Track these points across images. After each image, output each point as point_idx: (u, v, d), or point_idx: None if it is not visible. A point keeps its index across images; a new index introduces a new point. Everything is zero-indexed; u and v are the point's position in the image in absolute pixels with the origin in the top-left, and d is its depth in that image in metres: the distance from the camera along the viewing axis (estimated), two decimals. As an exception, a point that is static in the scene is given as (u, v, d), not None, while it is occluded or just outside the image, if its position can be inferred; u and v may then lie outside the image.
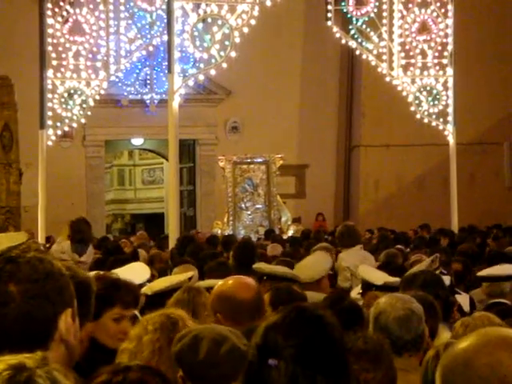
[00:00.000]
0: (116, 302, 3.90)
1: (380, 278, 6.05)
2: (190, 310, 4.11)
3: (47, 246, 11.97)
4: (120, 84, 22.08)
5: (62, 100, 15.25)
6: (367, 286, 6.06)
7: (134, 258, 9.02)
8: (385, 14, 16.93)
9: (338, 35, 17.24)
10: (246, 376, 2.09)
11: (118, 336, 3.78)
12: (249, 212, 18.68)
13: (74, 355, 2.25)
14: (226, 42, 14.21)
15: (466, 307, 6.29)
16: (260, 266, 6.36)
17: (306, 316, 2.11)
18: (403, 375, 3.50)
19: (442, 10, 17.06)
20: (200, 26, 14.50)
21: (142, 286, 5.65)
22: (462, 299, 6.33)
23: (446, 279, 6.14)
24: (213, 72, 14.90)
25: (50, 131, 15.17)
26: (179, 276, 5.92)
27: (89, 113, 15.68)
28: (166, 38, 14.76)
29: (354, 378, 2.14)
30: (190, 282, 5.57)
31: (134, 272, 6.06)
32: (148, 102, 22.86)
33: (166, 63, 15.03)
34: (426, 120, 17.07)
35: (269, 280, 5.83)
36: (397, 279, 6.02)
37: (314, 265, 6.73)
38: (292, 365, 2.01)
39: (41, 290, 2.13)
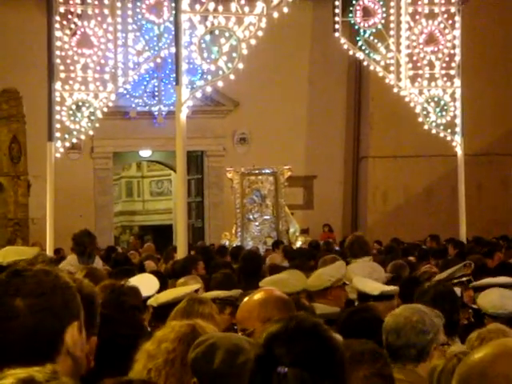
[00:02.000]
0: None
1: (376, 288, 6.02)
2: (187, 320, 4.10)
3: (56, 258, 11.96)
4: (128, 96, 22.13)
5: (70, 112, 15.28)
6: (363, 297, 6.03)
7: (140, 270, 9.04)
8: (392, 25, 16.94)
9: (345, 46, 17.25)
10: None
11: None
12: (257, 223, 18.68)
13: (80, 368, 2.25)
14: (234, 54, 14.22)
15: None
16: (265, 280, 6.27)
17: (303, 325, 2.14)
18: None
19: (450, 22, 17.05)
20: (207, 37, 14.52)
21: (150, 297, 5.67)
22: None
23: (457, 291, 6.13)
24: (220, 84, 14.92)
25: (59, 143, 15.20)
26: (185, 288, 5.92)
27: (97, 125, 15.71)
28: (173, 49, 14.78)
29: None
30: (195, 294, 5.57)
31: (143, 283, 6.08)
32: (156, 113, 22.91)
33: (174, 75, 15.04)
34: (433, 131, 17.05)
35: None
36: (394, 288, 6.00)
37: (320, 274, 6.70)
38: (300, 371, 2.03)
39: (47, 303, 2.13)
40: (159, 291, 6.03)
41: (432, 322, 3.96)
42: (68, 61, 15.30)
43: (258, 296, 4.08)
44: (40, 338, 2.12)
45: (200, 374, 3.00)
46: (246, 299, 4.12)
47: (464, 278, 7.13)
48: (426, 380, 3.72)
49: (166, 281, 7.32)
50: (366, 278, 6.65)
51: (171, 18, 15.21)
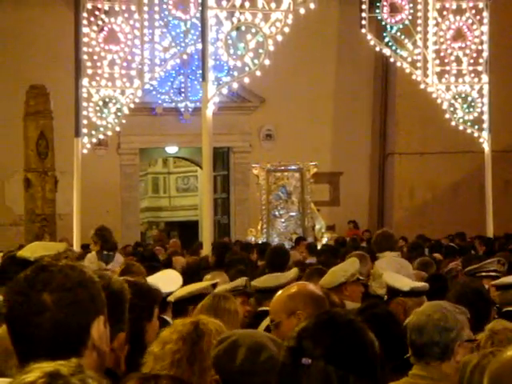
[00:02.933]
0: (159, 297, 3.92)
1: (406, 283, 6.01)
2: (212, 315, 4.11)
3: (83, 253, 12.02)
4: (154, 92, 22.19)
5: (97, 108, 15.36)
6: (393, 293, 6.02)
7: (167, 265, 9.05)
8: (419, 21, 16.87)
9: (372, 42, 17.20)
10: (279, 377, 2.11)
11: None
12: (282, 219, 18.67)
13: (104, 362, 2.26)
14: (260, 50, 14.23)
15: None
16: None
17: (336, 320, 2.16)
18: None
19: (478, 17, 16.96)
20: (234, 34, 14.55)
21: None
22: None
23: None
24: (247, 80, 14.93)
25: (85, 139, 15.28)
26: (203, 283, 5.94)
27: (123, 121, 15.77)
28: (200, 46, 14.80)
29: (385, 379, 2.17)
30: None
31: (167, 279, 6.09)
32: (182, 110, 22.95)
33: (200, 71, 15.07)
34: (460, 127, 16.97)
35: None
36: (424, 284, 5.98)
37: (334, 271, 6.68)
38: (324, 364, 2.05)
39: (74, 298, 2.15)
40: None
41: (455, 319, 3.93)
42: (95, 57, 15.38)
43: (289, 289, 4.16)
44: (67, 332, 2.13)
45: (222, 371, 3.00)
46: (279, 291, 4.17)
47: (493, 274, 7.09)
48: (450, 377, 3.70)
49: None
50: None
51: (198, 15, 15.24)
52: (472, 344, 3.96)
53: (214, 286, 5.73)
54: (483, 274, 6.94)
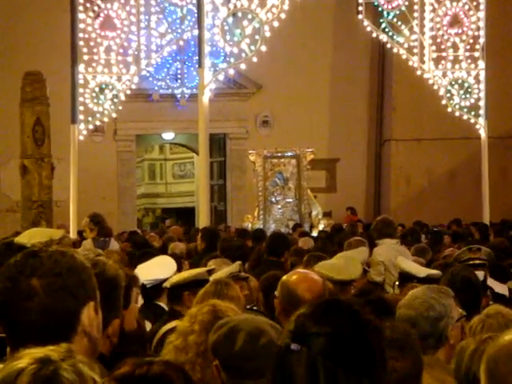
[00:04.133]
0: (135, 283, 3.89)
1: (422, 270, 6.02)
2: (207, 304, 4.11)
3: (79, 240, 12.02)
4: (151, 78, 22.15)
5: (94, 95, 15.34)
6: (405, 278, 6.02)
7: (162, 252, 9.05)
8: (416, 7, 16.83)
9: (368, 29, 17.17)
10: (275, 360, 2.10)
11: (137, 316, 3.78)
12: (279, 206, 18.68)
13: (96, 348, 2.26)
14: (256, 36, 14.21)
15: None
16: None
17: (339, 307, 2.10)
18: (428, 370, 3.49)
19: (474, 3, 16.93)
20: (230, 20, 14.51)
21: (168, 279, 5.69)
22: (502, 289, 6.25)
23: (480, 274, 6.10)
24: (243, 66, 14.91)
25: (82, 126, 15.27)
26: (199, 269, 5.95)
27: (120, 107, 15.76)
28: (196, 32, 14.78)
29: (384, 380, 2.07)
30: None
31: (161, 265, 6.10)
32: (179, 96, 22.92)
33: (197, 58, 15.05)
34: (457, 113, 16.96)
35: None
36: (438, 272, 5.98)
37: (355, 261, 6.63)
38: (313, 352, 2.00)
39: (63, 283, 2.14)
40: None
41: (441, 305, 3.91)
42: (91, 43, 15.35)
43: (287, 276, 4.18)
44: (56, 318, 2.13)
45: (222, 356, 3.01)
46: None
47: (477, 261, 7.09)
48: (444, 362, 3.71)
49: (180, 262, 7.31)
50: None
51: (194, 1, 15.20)
52: (461, 322, 3.95)
53: (210, 272, 5.73)
54: (470, 262, 6.96)
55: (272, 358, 2.37)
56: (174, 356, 3.23)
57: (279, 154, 18.87)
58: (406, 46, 16.77)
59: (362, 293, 4.59)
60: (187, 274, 5.59)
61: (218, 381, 3.04)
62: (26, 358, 1.71)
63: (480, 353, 2.94)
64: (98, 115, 15.47)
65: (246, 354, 2.98)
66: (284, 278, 4.19)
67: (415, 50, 16.76)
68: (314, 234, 15.43)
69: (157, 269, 5.97)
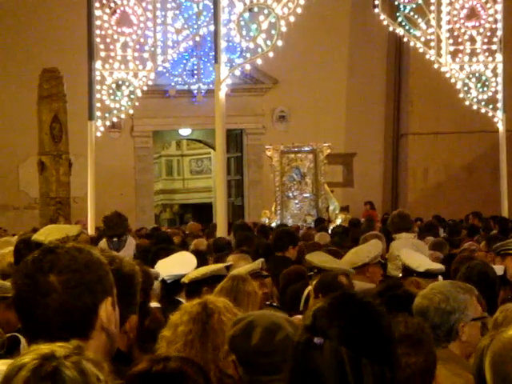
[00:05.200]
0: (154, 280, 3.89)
1: (422, 264, 5.99)
2: (233, 298, 4.11)
3: (96, 236, 12.04)
4: (167, 74, 22.18)
5: (110, 91, 15.37)
6: (408, 272, 6.02)
7: (182, 247, 9.05)
8: (433, 0, 16.76)
9: (385, 22, 17.11)
10: (293, 355, 2.12)
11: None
12: (296, 201, 18.68)
13: (114, 343, 2.26)
14: (273, 31, 14.18)
15: None
16: (311, 258, 6.18)
17: (352, 300, 2.15)
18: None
19: (491, -4, 16.84)
20: (246, 15, 14.49)
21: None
22: None
23: (499, 269, 6.08)
24: (259, 61, 14.88)
25: (99, 122, 15.30)
26: (217, 265, 5.95)
27: (137, 103, 15.78)
28: (212, 27, 14.77)
29: (399, 368, 2.14)
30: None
31: (181, 261, 6.11)
32: (195, 92, 22.94)
33: (213, 53, 15.04)
34: (474, 107, 16.89)
35: (318, 274, 5.73)
36: (440, 267, 5.96)
37: (358, 251, 6.69)
38: (337, 344, 2.04)
39: (81, 279, 2.15)
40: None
41: (457, 299, 3.89)
42: (108, 40, 15.37)
43: None
44: (74, 314, 2.13)
45: (239, 351, 3.01)
46: None
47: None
48: (458, 357, 3.70)
49: (205, 258, 7.34)
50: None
51: (210, -4, 15.19)
52: (480, 322, 3.94)
53: (228, 267, 5.74)
54: (501, 252, 6.89)
55: (289, 353, 2.38)
56: (166, 348, 3.24)
57: (296, 149, 18.85)
58: (422, 39, 16.70)
59: (389, 288, 4.55)
60: (205, 269, 5.60)
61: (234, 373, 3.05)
62: (32, 354, 1.72)
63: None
64: (114, 111, 15.50)
65: (262, 349, 2.98)
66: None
67: (432, 44, 16.68)
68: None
69: (177, 264, 5.98)
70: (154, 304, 5.24)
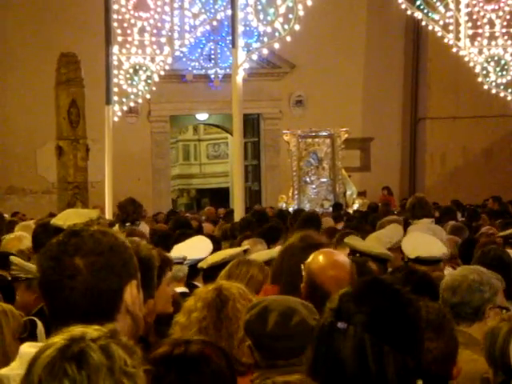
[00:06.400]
0: (168, 265, 3.85)
1: (414, 251, 5.92)
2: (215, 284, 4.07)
3: (114, 221, 12.07)
4: (184, 59, 22.15)
5: (128, 76, 15.36)
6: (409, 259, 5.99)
7: (198, 232, 9.06)
8: (451, -17, 16.63)
9: (403, 6, 16.99)
10: (317, 337, 2.12)
11: (170, 299, 3.77)
12: (313, 186, 18.66)
13: (139, 327, 2.27)
14: (290, 15, 14.12)
15: None
16: (354, 242, 5.96)
17: (381, 287, 2.14)
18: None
19: (510, -22, 16.69)
20: (263, -1, 14.43)
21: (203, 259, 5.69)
22: None
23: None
24: (277, 46, 14.84)
25: (116, 107, 15.31)
26: (234, 249, 5.93)
27: (154, 88, 15.77)
28: (229, 12, 14.72)
29: (423, 357, 2.12)
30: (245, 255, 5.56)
31: (198, 245, 6.11)
32: (212, 76, 22.91)
33: (230, 38, 15.00)
34: (493, 91, 16.77)
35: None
36: (435, 254, 5.90)
37: (379, 235, 6.65)
38: (360, 330, 2.04)
39: (106, 262, 2.15)
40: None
41: (490, 282, 3.93)
42: (125, 24, 15.36)
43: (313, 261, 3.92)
44: (100, 296, 2.14)
45: (254, 336, 3.01)
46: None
47: None
48: (478, 341, 3.69)
49: (218, 243, 7.32)
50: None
51: (227, -20, 15.13)
52: (503, 312, 3.93)
53: (245, 251, 5.72)
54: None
55: (305, 337, 2.36)
56: (180, 334, 3.24)
57: (313, 134, 18.82)
58: (441, 23, 16.57)
59: (408, 273, 4.50)
60: (224, 254, 5.59)
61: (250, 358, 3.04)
62: (63, 335, 1.72)
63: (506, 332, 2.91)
64: (132, 96, 15.50)
65: (278, 333, 2.98)
66: (310, 262, 3.71)
67: (451, 27, 16.56)
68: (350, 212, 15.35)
69: (194, 249, 5.98)
70: (180, 289, 5.24)
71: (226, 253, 5.66)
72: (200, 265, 5.57)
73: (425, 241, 6.21)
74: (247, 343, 3.04)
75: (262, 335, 2.99)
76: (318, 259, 3.66)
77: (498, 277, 4.02)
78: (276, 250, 5.95)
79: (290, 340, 2.96)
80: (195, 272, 5.81)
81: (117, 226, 9.45)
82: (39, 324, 4.32)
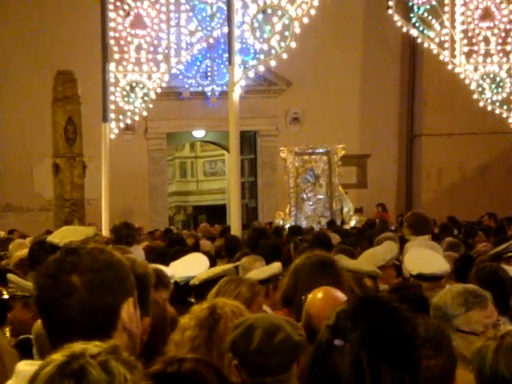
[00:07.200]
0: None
1: (415, 268, 5.92)
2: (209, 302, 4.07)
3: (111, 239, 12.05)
4: (181, 76, 22.19)
5: (124, 93, 15.40)
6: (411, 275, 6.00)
7: (195, 249, 9.05)
8: (446, 1, 16.71)
9: (399, 24, 17.07)
10: (314, 354, 2.12)
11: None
12: (310, 202, 18.67)
13: (136, 344, 2.27)
14: (286, 33, 14.18)
15: None
16: (344, 261, 5.79)
17: (377, 304, 2.14)
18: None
19: (505, -4, 16.77)
20: (260, 16, 14.49)
21: None
22: None
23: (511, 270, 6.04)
24: (273, 63, 14.88)
25: (113, 124, 15.33)
26: (226, 265, 5.93)
27: (150, 105, 15.80)
28: (226, 29, 14.78)
29: (422, 375, 2.11)
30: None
31: (194, 263, 6.11)
32: (209, 94, 22.95)
33: (227, 55, 15.05)
34: (489, 108, 16.82)
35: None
36: (436, 271, 5.91)
37: (374, 253, 6.67)
38: (357, 347, 2.03)
39: (103, 279, 2.16)
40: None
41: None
42: (122, 42, 15.41)
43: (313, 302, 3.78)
44: (97, 314, 2.14)
45: (240, 354, 3.02)
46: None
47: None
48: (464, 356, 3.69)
49: (213, 260, 7.32)
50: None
51: (223, -2, 15.19)
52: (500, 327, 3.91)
53: (237, 268, 5.72)
54: (509, 255, 6.87)
55: (290, 353, 2.34)
56: (175, 352, 3.24)
57: (310, 151, 18.84)
58: (436, 40, 16.65)
59: (398, 289, 4.54)
60: (215, 270, 5.58)
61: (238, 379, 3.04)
62: (64, 351, 1.73)
63: (504, 349, 2.89)
64: (128, 113, 15.53)
65: (263, 350, 2.99)
66: (308, 305, 3.63)
67: (446, 45, 16.63)
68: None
69: (189, 266, 5.98)
70: None
71: (216, 269, 5.66)
72: (192, 282, 5.57)
73: (427, 257, 6.22)
74: (233, 362, 3.04)
75: (248, 353, 3.00)
76: (316, 301, 3.64)
77: (481, 294, 3.96)
78: (276, 265, 5.94)
79: (276, 356, 2.98)
80: (191, 289, 5.81)
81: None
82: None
